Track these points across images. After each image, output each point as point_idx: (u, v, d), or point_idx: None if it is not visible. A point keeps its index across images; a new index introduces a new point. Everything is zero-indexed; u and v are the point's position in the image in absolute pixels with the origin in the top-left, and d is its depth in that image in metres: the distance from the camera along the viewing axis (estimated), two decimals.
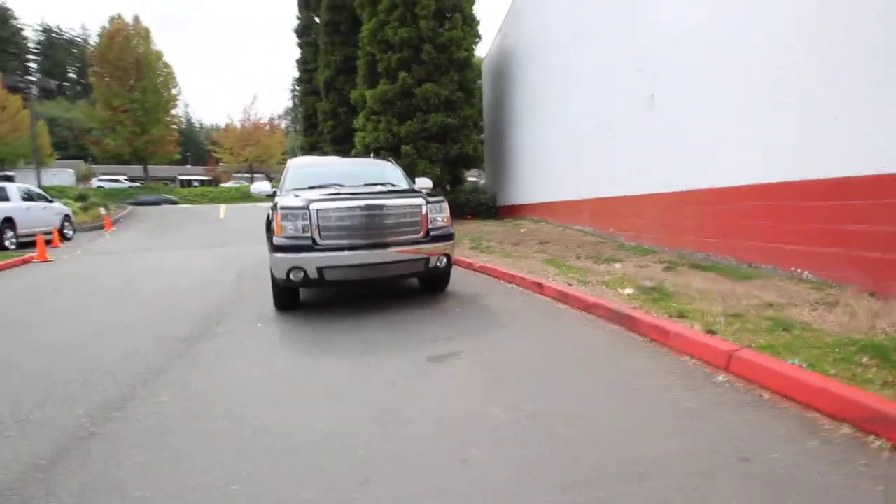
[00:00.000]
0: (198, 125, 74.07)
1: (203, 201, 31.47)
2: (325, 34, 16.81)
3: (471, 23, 13.34)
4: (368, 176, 5.65)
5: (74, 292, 6.04)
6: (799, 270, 4.05)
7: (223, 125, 49.11)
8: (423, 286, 5.20)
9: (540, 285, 4.80)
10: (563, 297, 4.44)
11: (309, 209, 4.11)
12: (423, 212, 4.45)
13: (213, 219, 17.68)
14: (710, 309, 3.55)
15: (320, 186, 5.29)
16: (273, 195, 5.26)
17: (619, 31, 6.97)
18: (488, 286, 5.34)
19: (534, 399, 2.39)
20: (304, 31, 22.27)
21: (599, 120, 7.69)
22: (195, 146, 59.82)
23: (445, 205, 4.72)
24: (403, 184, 5.41)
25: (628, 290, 4.51)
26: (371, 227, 4.27)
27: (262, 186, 5.46)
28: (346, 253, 4.13)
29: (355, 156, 13.85)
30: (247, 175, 43.19)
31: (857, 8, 3.66)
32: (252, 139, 40.06)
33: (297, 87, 30.71)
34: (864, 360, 2.43)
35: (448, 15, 12.99)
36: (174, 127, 36.56)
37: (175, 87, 34.93)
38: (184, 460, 1.98)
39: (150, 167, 37.54)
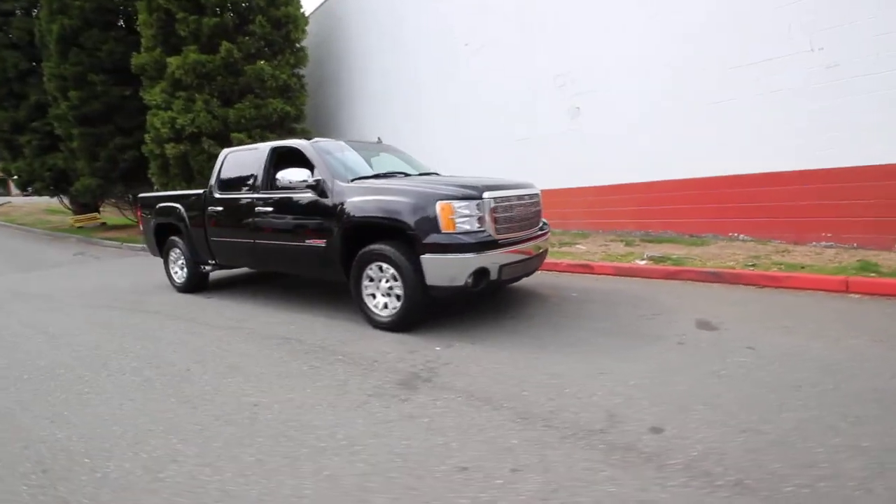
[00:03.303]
0: None
1: None
2: None
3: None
4: (394, 163, 4.92)
5: None
6: (736, 234, 6.18)
7: None
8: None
9: (590, 266, 5.50)
10: (619, 271, 5.31)
11: (483, 198, 3.49)
12: None
13: None
14: (740, 261, 5.08)
15: (385, 175, 4.37)
16: (316, 186, 4.00)
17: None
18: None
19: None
20: None
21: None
22: None
23: None
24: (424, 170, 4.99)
25: (643, 262, 5.71)
26: (528, 217, 3.97)
27: (295, 174, 3.99)
28: (517, 247, 3.73)
29: (157, 141, 10.48)
30: None
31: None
32: None
33: None
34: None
35: None
36: None
37: None
38: None
39: None
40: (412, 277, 3.50)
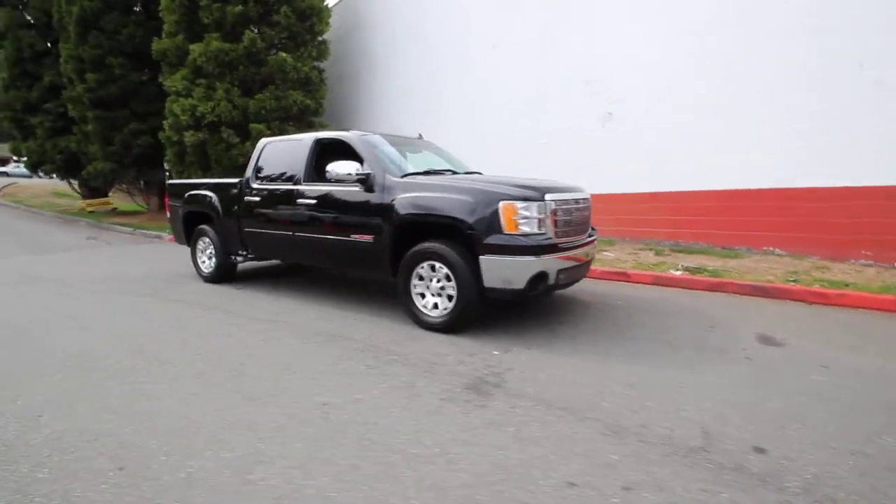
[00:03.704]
0: None
1: None
2: None
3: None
4: (434, 160, 4.83)
5: None
6: (771, 248, 6.11)
7: None
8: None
9: (626, 274, 5.43)
10: (658, 281, 5.23)
11: (545, 200, 3.40)
12: None
13: None
14: (778, 275, 5.02)
15: (434, 172, 4.29)
16: (366, 179, 3.90)
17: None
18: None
19: None
20: None
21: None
22: None
23: None
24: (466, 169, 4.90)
25: (678, 272, 5.64)
26: (581, 222, 3.88)
27: (344, 166, 3.89)
28: (572, 253, 3.64)
29: (175, 128, 10.34)
30: None
31: None
32: None
33: None
34: None
35: None
36: None
37: None
38: None
39: None
40: (468, 278, 3.40)
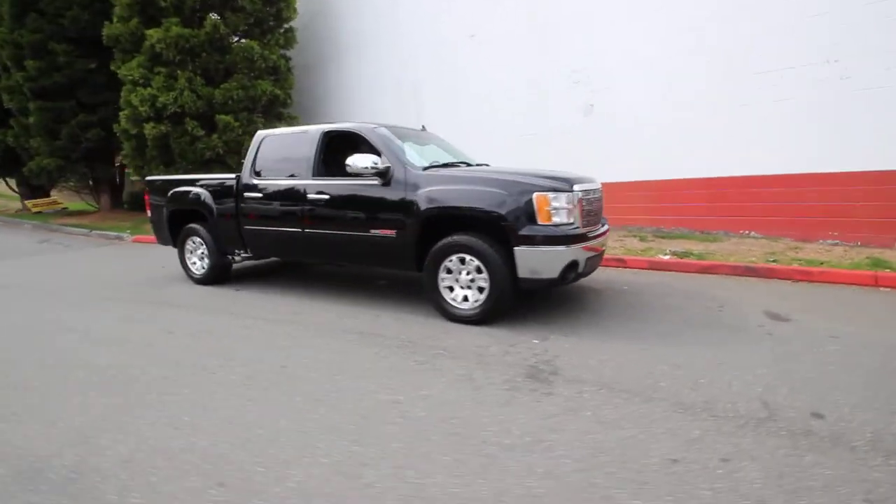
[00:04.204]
0: None
1: None
2: None
3: None
4: (439, 153, 4.81)
5: None
6: (748, 231, 6.56)
7: None
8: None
9: (623, 260, 5.65)
10: (653, 265, 5.50)
11: (574, 191, 3.48)
12: None
13: None
14: (759, 256, 5.42)
15: (452, 165, 4.28)
16: (385, 172, 3.85)
17: None
18: None
19: None
20: None
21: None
22: None
23: None
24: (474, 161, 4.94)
25: (666, 257, 5.96)
26: (599, 212, 4.01)
27: (363, 159, 3.80)
28: (596, 242, 3.76)
29: (134, 120, 9.65)
30: None
31: None
32: None
33: None
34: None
35: None
36: None
37: None
38: None
39: None
40: (502, 269, 3.44)
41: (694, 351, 2.99)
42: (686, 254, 5.90)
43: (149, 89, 9.42)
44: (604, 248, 4.14)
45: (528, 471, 1.80)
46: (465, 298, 3.67)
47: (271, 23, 10.69)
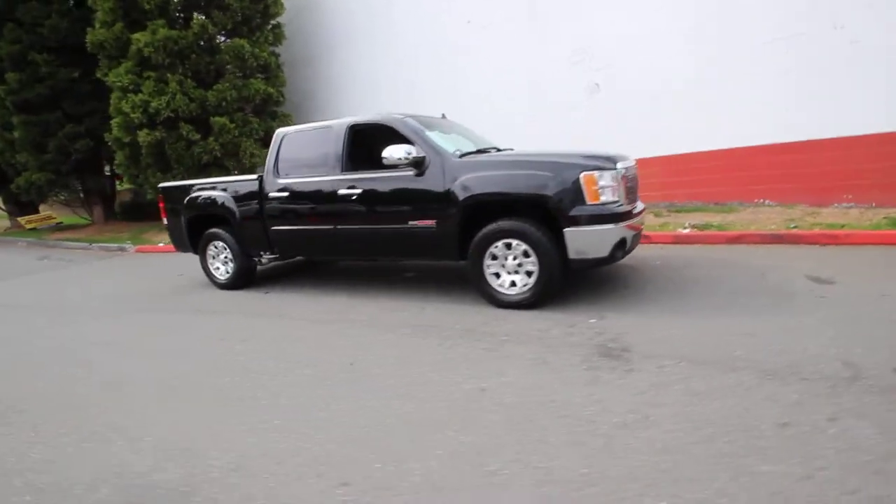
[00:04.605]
0: None
1: None
2: None
3: None
4: (463, 142, 4.76)
5: None
6: (762, 200, 6.65)
7: None
8: None
9: (647, 236, 5.69)
10: (678, 239, 5.56)
11: (617, 168, 3.47)
12: None
13: None
14: (779, 223, 5.50)
15: (480, 151, 4.24)
16: (421, 163, 3.81)
17: None
18: None
19: None
20: None
21: None
22: None
23: None
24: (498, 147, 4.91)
25: (686, 230, 6.02)
26: (636, 188, 4.01)
27: (398, 150, 3.74)
28: (637, 220, 3.77)
29: (126, 128, 9.38)
30: None
31: None
32: None
33: None
34: None
35: None
36: None
37: None
38: None
39: None
40: (551, 252, 3.44)
41: (756, 319, 3.03)
42: (706, 226, 5.97)
43: (140, 95, 9.15)
44: (643, 225, 4.16)
45: (648, 446, 1.81)
46: (513, 284, 3.66)
47: (258, 20, 10.41)
